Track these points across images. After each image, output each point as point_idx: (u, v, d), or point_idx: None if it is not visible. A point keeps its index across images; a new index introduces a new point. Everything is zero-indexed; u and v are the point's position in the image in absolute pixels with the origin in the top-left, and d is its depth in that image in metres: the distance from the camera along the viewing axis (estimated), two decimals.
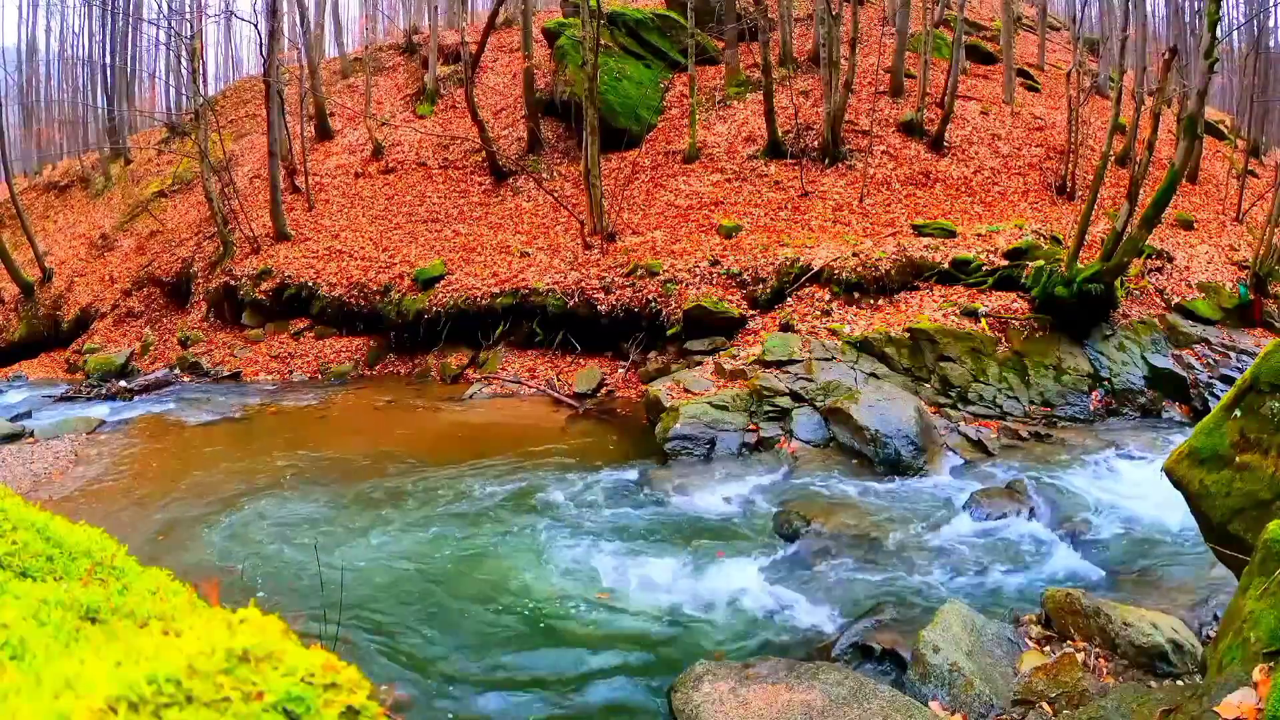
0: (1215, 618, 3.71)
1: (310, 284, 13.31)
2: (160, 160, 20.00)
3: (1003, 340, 8.81)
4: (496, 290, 11.80)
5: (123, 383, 11.65)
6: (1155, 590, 4.37)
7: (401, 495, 6.32)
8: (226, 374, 12.30)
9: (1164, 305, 9.88)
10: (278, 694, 0.50)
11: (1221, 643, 2.45)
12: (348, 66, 21.97)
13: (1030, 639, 3.55)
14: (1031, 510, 5.67)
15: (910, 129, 14.41)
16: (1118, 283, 8.98)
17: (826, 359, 8.40)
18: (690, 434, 7.27)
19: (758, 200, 13.10)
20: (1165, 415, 8.35)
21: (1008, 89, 16.32)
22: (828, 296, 10.01)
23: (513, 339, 11.59)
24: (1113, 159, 10.90)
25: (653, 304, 10.56)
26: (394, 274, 12.92)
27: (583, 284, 11.23)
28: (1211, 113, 17.76)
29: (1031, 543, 5.17)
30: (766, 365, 8.32)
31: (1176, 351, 9.16)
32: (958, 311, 9.12)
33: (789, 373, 8.15)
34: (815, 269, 10.29)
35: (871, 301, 9.83)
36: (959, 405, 8.11)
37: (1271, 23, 19.28)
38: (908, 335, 8.75)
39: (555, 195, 13.77)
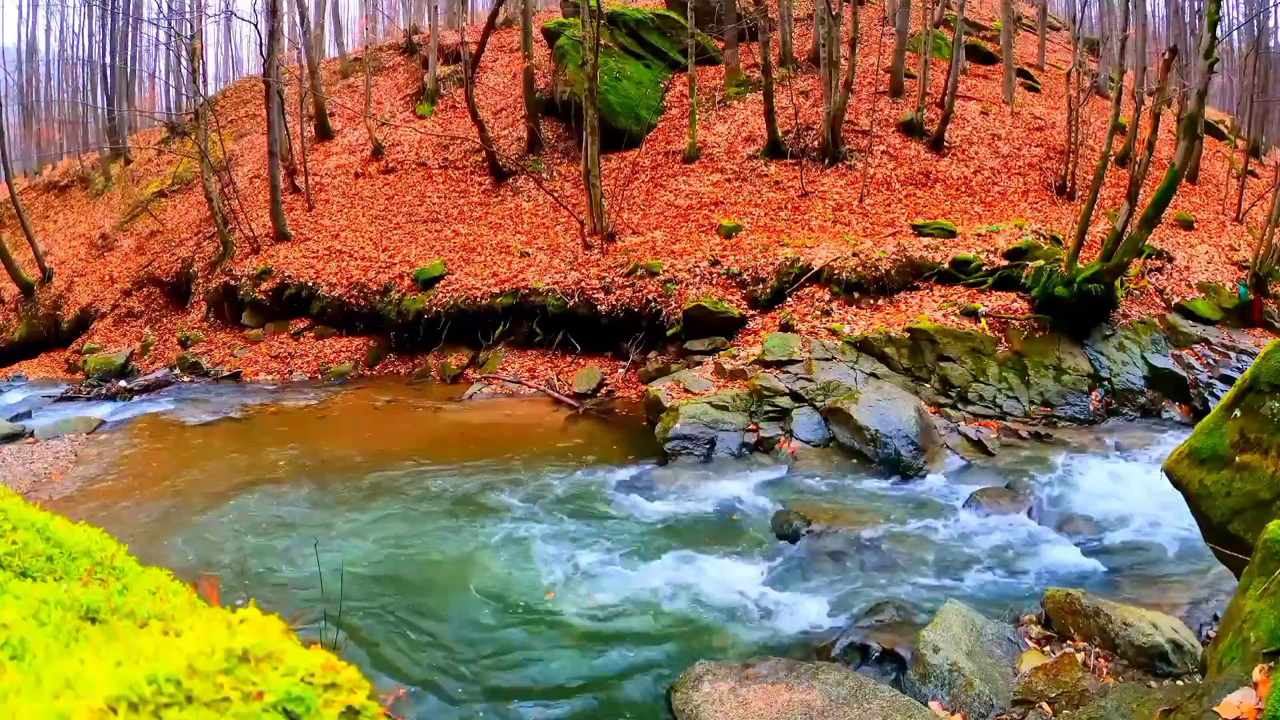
0: (1215, 618, 3.71)
1: (310, 284, 13.31)
2: (160, 160, 20.00)
3: (1003, 340, 8.81)
4: (496, 290, 11.80)
5: (123, 383, 11.65)
6: (1155, 590, 4.37)
7: (401, 495, 6.33)
8: (226, 374, 12.29)
9: (1164, 305, 9.87)
10: (278, 694, 0.50)
11: (1221, 643, 2.45)
12: (348, 66, 21.97)
13: (1030, 639, 3.55)
14: (1031, 510, 5.68)
15: (910, 129, 14.41)
16: (1118, 283, 8.98)
17: (826, 359, 8.40)
18: (690, 434, 7.27)
19: (758, 200, 13.09)
20: (1165, 415, 8.35)
21: (1008, 89, 16.32)
22: (828, 296, 10.01)
23: (513, 339, 11.58)
24: (1113, 159, 10.90)
25: (653, 304, 10.56)
26: (394, 274, 12.91)
27: (583, 284, 11.23)
28: (1211, 113, 17.75)
29: (1031, 543, 5.17)
30: (766, 365, 8.32)
31: (1176, 351, 9.16)
32: (958, 311, 9.13)
33: (789, 373, 8.15)
34: (815, 269, 10.29)
35: (871, 301, 9.83)
36: (959, 405, 8.11)
37: (1271, 23, 19.29)
38: (908, 335, 8.75)
39: (555, 195, 13.77)
